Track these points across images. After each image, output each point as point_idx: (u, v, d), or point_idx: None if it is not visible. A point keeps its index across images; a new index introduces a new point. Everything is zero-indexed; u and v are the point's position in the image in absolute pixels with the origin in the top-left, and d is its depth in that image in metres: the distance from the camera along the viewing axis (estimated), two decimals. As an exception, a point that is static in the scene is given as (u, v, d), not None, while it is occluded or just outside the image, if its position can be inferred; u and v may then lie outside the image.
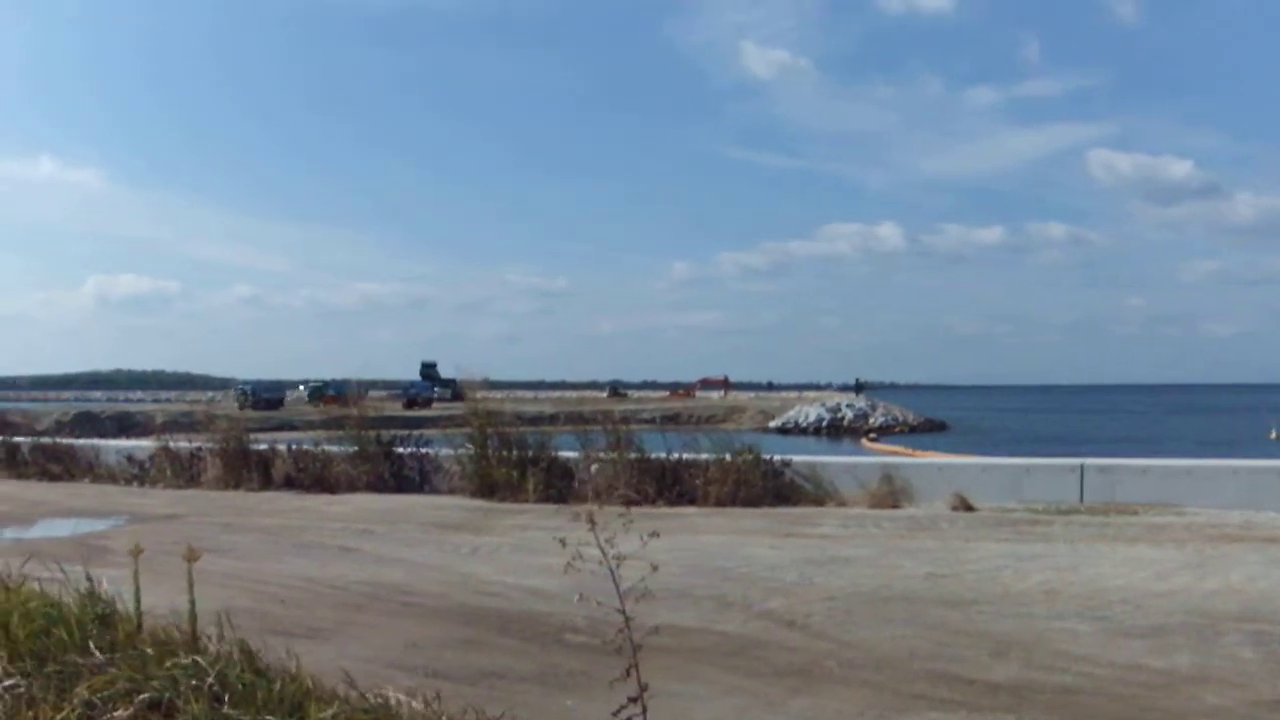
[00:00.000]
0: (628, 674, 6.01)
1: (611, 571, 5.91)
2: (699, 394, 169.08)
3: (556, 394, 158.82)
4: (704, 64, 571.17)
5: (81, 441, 34.69)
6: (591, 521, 5.92)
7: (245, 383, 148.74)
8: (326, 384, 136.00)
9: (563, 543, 5.82)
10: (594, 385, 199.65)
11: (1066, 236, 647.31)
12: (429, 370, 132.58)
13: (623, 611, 6.02)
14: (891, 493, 21.01)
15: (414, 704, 7.21)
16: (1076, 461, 22.69)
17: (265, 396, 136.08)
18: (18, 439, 34.58)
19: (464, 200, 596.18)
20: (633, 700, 6.06)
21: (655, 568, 5.97)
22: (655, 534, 6.14)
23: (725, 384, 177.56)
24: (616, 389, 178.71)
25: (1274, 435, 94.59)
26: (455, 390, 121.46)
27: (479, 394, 27.07)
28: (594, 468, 23.22)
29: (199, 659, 7.41)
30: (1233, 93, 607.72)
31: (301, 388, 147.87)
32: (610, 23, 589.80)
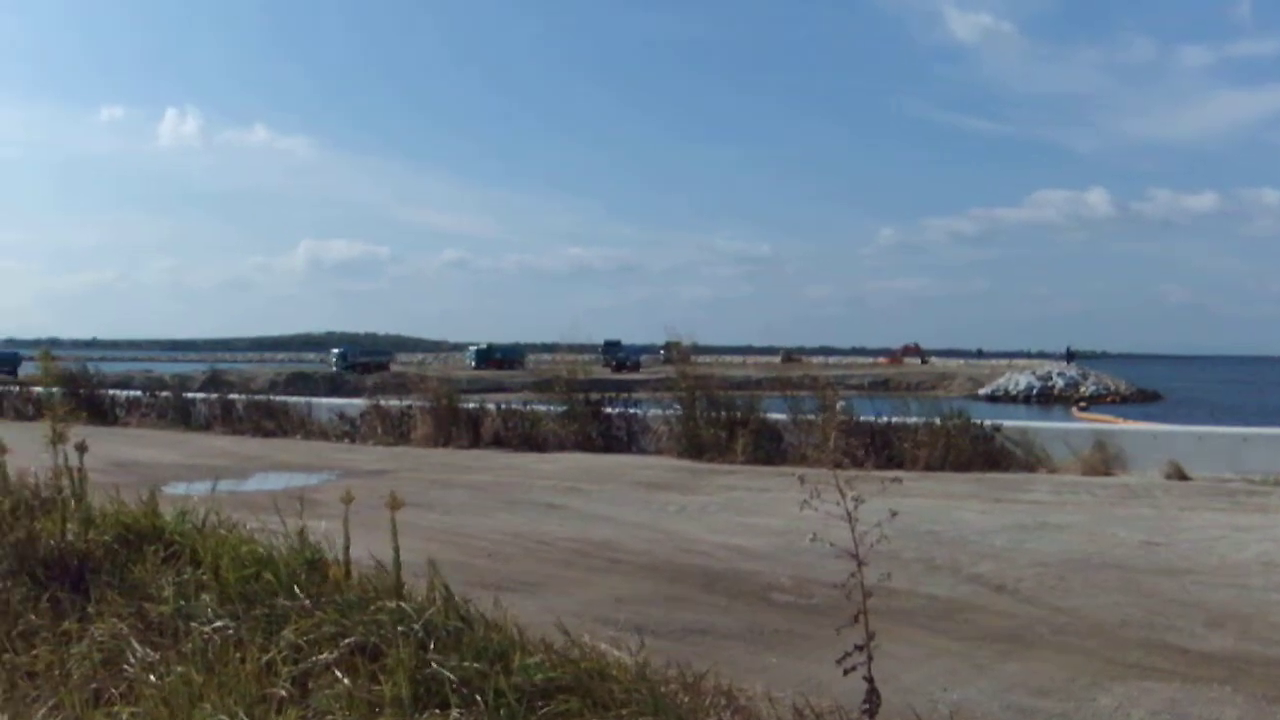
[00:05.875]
0: (856, 619, 5.98)
1: (849, 514, 5.89)
2: (906, 361, 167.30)
3: (764, 359, 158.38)
4: (908, 27, 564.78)
5: (294, 399, 35.39)
6: (841, 491, 5.92)
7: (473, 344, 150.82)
8: (492, 347, 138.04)
9: (807, 500, 5.76)
10: (802, 351, 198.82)
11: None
12: (611, 347, 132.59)
13: (856, 556, 5.99)
14: (1104, 460, 20.63)
15: (619, 656, 7.24)
16: (1298, 431, 22.02)
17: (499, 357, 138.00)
18: (233, 396, 35.34)
19: (665, 168, 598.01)
20: (859, 648, 6.03)
21: (886, 523, 5.95)
22: (892, 511, 6.15)
23: (916, 351, 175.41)
24: (790, 354, 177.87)
25: None
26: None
27: (690, 357, 27.12)
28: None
29: (404, 605, 7.52)
30: None
31: (472, 349, 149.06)
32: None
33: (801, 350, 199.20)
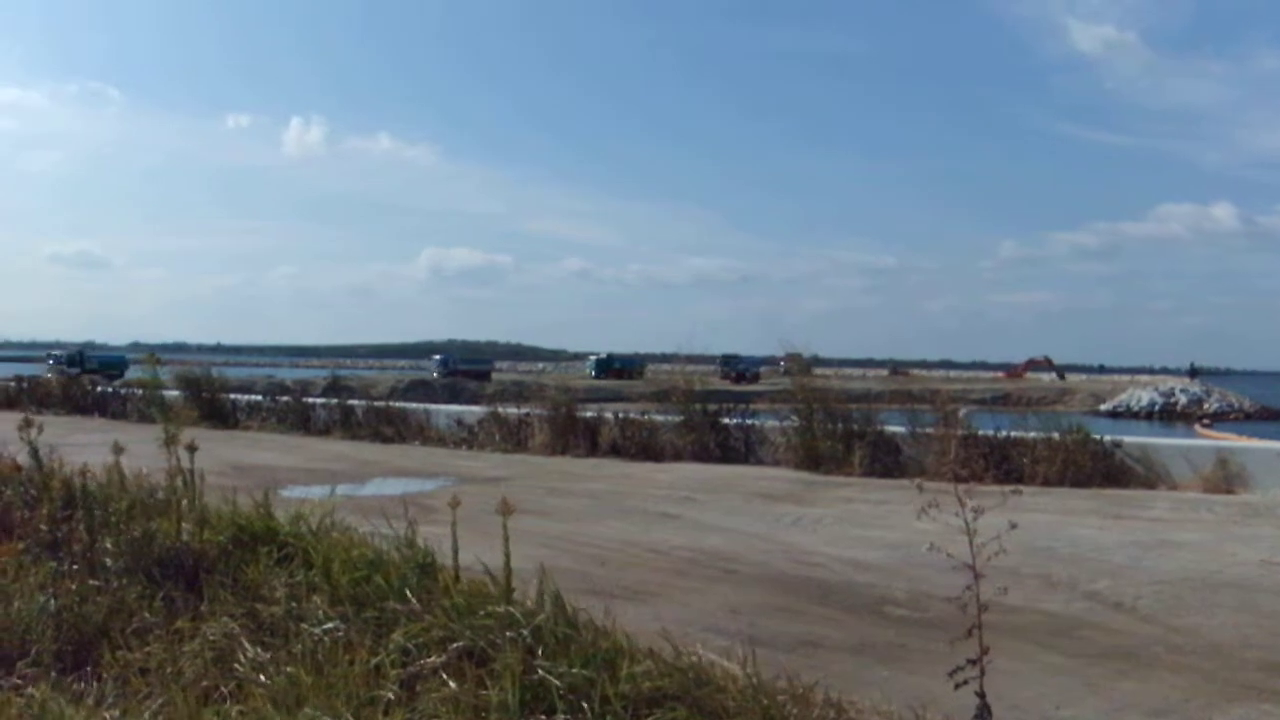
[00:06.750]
0: (970, 633, 5.93)
1: (967, 525, 5.86)
2: (1028, 375, 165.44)
3: (883, 372, 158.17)
4: (1029, 39, 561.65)
5: (413, 405, 35.59)
6: (961, 501, 5.90)
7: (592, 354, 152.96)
8: (612, 357, 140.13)
9: (924, 509, 5.76)
10: (923, 364, 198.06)
11: None
12: (730, 360, 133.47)
13: (973, 568, 5.94)
14: (1226, 477, 20.27)
15: (728, 666, 7.22)
16: None
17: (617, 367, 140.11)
18: (352, 402, 35.62)
19: (787, 179, 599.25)
20: (972, 662, 5.98)
21: (1005, 537, 5.89)
22: (1011, 524, 6.11)
23: (1048, 364, 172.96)
24: (897, 367, 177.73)
25: None
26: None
27: (809, 369, 27.14)
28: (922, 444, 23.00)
29: (513, 610, 7.55)
30: None
31: (592, 358, 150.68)
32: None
33: (923, 363, 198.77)
